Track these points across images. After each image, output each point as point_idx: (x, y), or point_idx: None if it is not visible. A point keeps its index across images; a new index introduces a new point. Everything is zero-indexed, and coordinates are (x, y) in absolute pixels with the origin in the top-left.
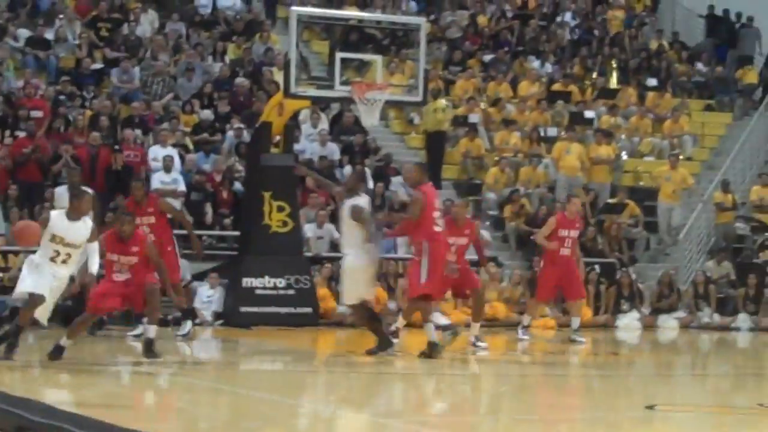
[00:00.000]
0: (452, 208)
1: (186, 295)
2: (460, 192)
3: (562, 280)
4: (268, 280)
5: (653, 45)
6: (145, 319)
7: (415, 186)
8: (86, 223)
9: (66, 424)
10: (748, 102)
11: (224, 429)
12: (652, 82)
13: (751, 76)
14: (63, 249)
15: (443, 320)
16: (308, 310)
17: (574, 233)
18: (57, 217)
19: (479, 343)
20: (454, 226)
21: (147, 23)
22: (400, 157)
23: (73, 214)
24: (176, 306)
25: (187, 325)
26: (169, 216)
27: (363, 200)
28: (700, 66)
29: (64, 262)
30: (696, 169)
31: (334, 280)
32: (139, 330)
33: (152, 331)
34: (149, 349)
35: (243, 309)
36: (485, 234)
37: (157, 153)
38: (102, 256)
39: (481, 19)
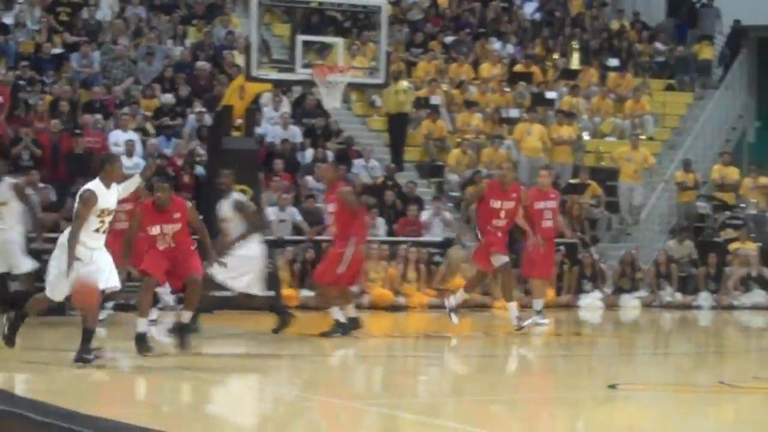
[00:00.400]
0: (502, 171)
1: None
2: (422, 174)
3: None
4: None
5: (614, 25)
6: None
7: (331, 184)
8: (116, 188)
9: (27, 412)
10: (709, 81)
11: (188, 414)
12: (614, 62)
13: (707, 52)
14: (107, 218)
15: (340, 316)
16: (271, 293)
17: (552, 203)
18: (98, 190)
19: (542, 320)
20: (501, 189)
21: (107, 7)
22: (363, 140)
23: (107, 180)
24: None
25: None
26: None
27: (238, 196)
28: (660, 46)
29: (105, 231)
30: (657, 149)
31: (297, 263)
32: (103, 315)
33: (187, 317)
34: (182, 333)
35: (205, 293)
36: (447, 215)
37: (117, 137)
38: (137, 231)
39: (443, 1)
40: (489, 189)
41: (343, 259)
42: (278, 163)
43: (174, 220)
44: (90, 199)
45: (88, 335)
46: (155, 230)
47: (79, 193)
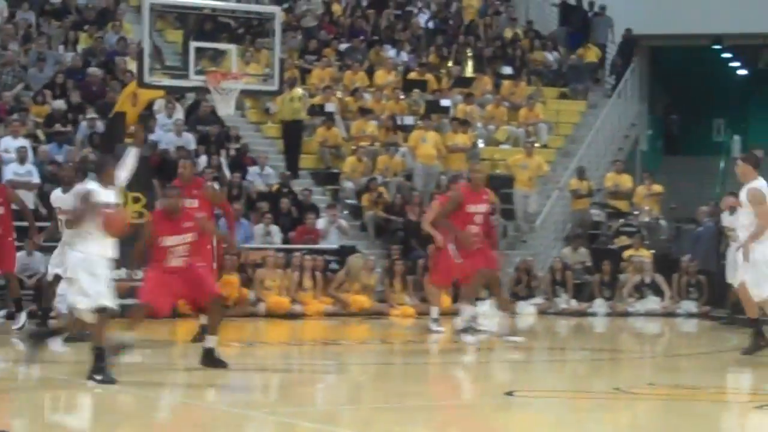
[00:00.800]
0: (471, 173)
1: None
2: (317, 181)
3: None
4: (124, 272)
5: (508, 33)
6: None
7: (191, 180)
8: (113, 189)
9: None
10: (599, 87)
11: (83, 424)
12: (507, 70)
13: (592, 54)
14: None
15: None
16: None
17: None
18: (97, 189)
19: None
20: (472, 192)
21: None
22: (257, 147)
23: (105, 181)
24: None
25: (22, 318)
26: (13, 206)
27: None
28: (554, 54)
29: None
30: (551, 157)
31: None
32: None
33: (212, 341)
34: (210, 358)
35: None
36: (343, 222)
37: (8, 144)
38: (149, 244)
39: (336, 8)
40: (464, 194)
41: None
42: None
43: (184, 230)
44: (88, 197)
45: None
46: (169, 241)
47: (78, 193)
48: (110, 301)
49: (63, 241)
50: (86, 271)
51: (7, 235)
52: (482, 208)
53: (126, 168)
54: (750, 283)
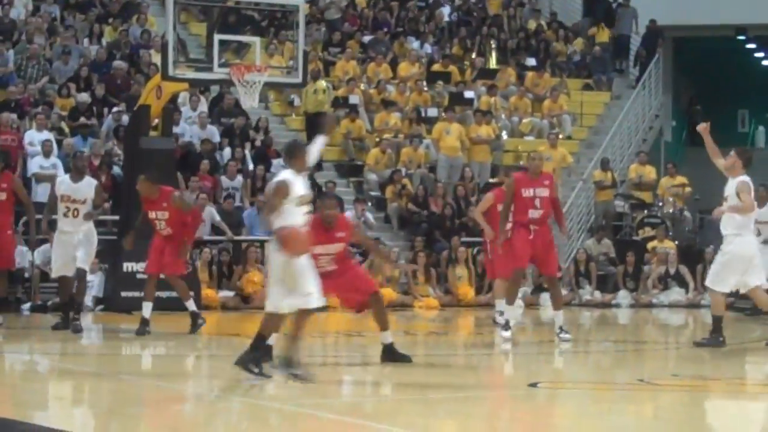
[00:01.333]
0: (529, 160)
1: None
2: (341, 173)
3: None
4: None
5: (531, 25)
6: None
7: (156, 193)
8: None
9: None
10: (626, 80)
11: (107, 416)
12: (531, 61)
13: (603, 35)
14: (306, 207)
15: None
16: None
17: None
18: (292, 178)
19: (563, 335)
20: (527, 179)
21: (21, 5)
22: (281, 139)
23: (297, 167)
24: None
25: None
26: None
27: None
28: (577, 45)
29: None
30: (575, 148)
31: (214, 264)
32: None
33: (388, 335)
34: (391, 352)
35: (124, 294)
36: (370, 217)
37: (33, 137)
38: None
39: (360, 0)
40: (516, 181)
41: (184, 249)
42: (204, 164)
43: (337, 240)
44: (281, 188)
45: (259, 342)
46: (318, 250)
47: (271, 183)
48: (320, 301)
49: (59, 230)
50: (293, 270)
51: (5, 227)
52: (542, 192)
53: (313, 154)
54: (713, 272)
